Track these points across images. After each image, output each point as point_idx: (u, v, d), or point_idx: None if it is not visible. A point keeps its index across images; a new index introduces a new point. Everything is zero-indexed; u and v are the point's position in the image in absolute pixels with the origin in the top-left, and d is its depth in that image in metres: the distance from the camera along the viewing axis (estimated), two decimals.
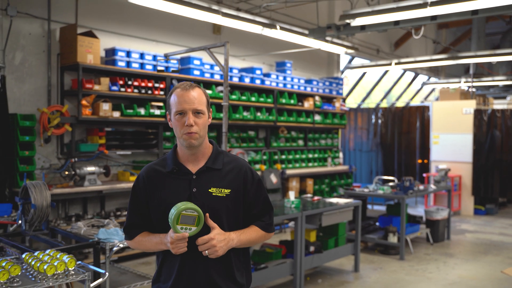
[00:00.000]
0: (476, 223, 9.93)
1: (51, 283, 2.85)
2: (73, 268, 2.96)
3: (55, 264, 2.89)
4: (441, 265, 6.59)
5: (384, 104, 15.61)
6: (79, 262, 3.11)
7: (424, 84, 15.38)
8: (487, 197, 11.04)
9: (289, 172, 9.01)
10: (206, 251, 2.02)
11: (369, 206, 10.17)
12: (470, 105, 10.82)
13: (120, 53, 6.61)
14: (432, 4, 5.98)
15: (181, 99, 2.10)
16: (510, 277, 5.32)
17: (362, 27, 7.17)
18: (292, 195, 5.72)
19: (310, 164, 10.11)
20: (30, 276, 2.90)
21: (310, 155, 10.15)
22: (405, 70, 14.83)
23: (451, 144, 10.97)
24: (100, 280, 3.14)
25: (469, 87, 13.00)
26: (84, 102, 6.20)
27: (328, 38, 8.17)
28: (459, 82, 13.86)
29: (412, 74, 15.87)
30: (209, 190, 2.13)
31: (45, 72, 6.27)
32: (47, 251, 3.12)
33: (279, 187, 8.54)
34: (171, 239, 2.00)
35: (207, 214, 2.07)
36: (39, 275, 2.88)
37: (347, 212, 5.95)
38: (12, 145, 5.71)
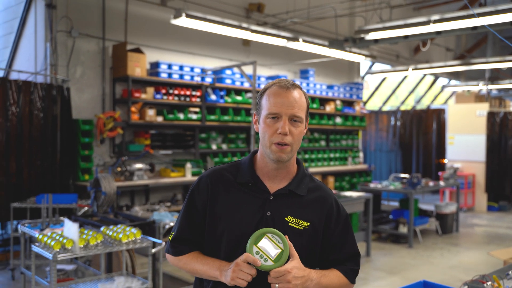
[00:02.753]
0: (487, 218, 10.63)
1: (124, 247, 3.86)
2: (139, 237, 3.97)
3: (127, 234, 3.91)
4: (445, 253, 7.40)
5: (410, 103, 16.32)
6: (142, 235, 4.12)
7: (444, 87, 16.01)
8: (501, 194, 11.70)
9: (311, 170, 9.90)
10: (277, 285, 1.60)
11: (385, 202, 10.99)
12: (483, 108, 11.52)
13: (162, 66, 7.65)
14: (435, 21, 6.81)
15: (278, 100, 1.71)
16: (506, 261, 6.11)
17: (376, 40, 8.02)
18: None
19: (332, 163, 10.98)
20: (108, 243, 3.92)
21: (332, 155, 11.02)
22: (424, 75, 15.50)
23: (466, 144, 11.68)
24: (158, 247, 4.14)
25: (489, 90, 13.61)
26: (133, 108, 7.27)
27: (348, 48, 9.01)
28: (477, 85, 14.48)
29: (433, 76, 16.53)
30: (286, 218, 1.74)
31: (100, 84, 7.36)
32: (118, 226, 4.14)
33: None
34: (237, 261, 1.61)
35: (287, 236, 1.67)
36: (115, 242, 3.89)
37: (359, 204, 6.83)
38: (74, 145, 6.82)
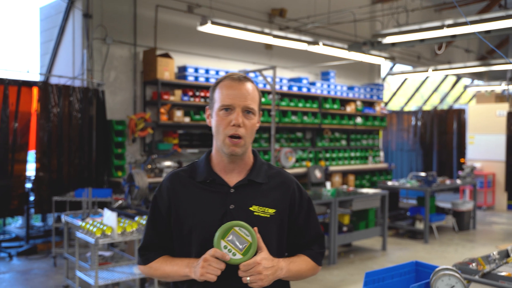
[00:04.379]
0: (507, 216, 10.81)
1: None
2: None
3: None
4: (460, 248, 7.68)
5: (435, 102, 16.49)
6: None
7: (467, 87, 16.13)
8: None
9: (332, 168, 10.26)
10: (248, 278, 1.61)
11: (405, 200, 11.28)
12: (503, 108, 11.68)
13: (189, 70, 8.14)
14: (449, 26, 7.11)
15: (231, 92, 1.71)
16: None
17: (393, 44, 8.34)
18: (328, 185, 7.02)
19: (352, 162, 11.31)
20: (141, 231, 4.40)
21: (352, 154, 11.35)
22: (446, 75, 15.65)
23: (486, 144, 11.87)
24: None
25: (509, 91, 13.70)
26: (162, 110, 7.78)
27: (366, 51, 9.32)
28: (499, 85, 14.57)
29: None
30: (250, 208, 1.74)
31: (132, 87, 7.89)
32: None
33: (323, 181, 9.83)
34: (205, 256, 1.62)
35: (256, 228, 1.67)
36: None
37: (375, 200, 7.18)
38: (109, 144, 7.36)
